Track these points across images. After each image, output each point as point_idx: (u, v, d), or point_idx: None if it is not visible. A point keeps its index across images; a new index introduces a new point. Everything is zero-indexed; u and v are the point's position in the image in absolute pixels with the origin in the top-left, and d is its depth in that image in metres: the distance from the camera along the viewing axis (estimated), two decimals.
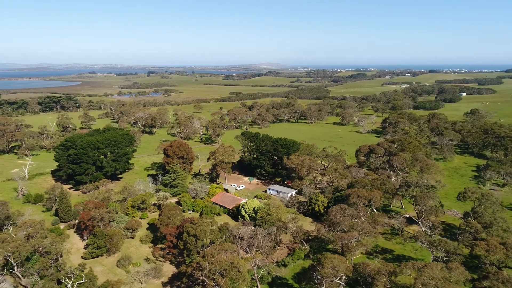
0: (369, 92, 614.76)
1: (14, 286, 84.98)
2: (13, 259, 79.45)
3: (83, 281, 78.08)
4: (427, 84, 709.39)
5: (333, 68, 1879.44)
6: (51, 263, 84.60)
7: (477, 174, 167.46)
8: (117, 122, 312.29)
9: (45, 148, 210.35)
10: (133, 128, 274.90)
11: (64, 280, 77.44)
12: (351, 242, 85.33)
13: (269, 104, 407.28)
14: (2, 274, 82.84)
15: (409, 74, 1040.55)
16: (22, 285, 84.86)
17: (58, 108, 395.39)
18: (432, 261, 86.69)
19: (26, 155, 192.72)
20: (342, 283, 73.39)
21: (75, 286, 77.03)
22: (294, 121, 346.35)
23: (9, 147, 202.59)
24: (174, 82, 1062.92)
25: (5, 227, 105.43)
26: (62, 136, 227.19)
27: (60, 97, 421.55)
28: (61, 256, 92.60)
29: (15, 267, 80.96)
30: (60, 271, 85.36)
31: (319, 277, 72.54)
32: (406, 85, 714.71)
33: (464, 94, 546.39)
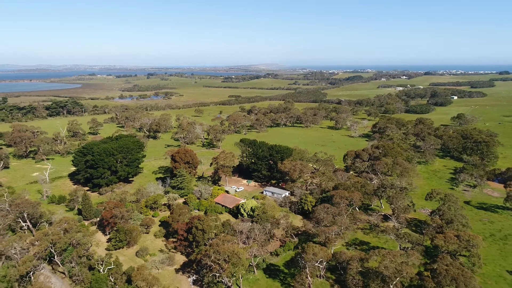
0: (364, 95, 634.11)
1: (52, 272, 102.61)
2: (55, 249, 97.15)
3: (112, 266, 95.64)
4: (421, 87, 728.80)
5: (331, 68, 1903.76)
6: (83, 253, 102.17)
7: (453, 176, 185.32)
8: (122, 127, 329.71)
9: (59, 153, 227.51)
10: (139, 133, 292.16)
11: (97, 266, 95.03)
12: (331, 235, 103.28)
13: (267, 108, 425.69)
14: (43, 262, 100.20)
15: (404, 77, 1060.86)
16: (59, 272, 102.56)
17: (65, 113, 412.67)
18: (401, 250, 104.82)
19: (42, 160, 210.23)
20: (321, 266, 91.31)
21: (105, 270, 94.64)
22: (291, 125, 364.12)
23: (27, 152, 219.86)
24: (174, 84, 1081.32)
25: (39, 224, 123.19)
26: (74, 141, 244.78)
27: (66, 102, 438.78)
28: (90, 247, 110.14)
29: (56, 256, 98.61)
30: (90, 259, 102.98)
31: (303, 261, 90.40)
32: (400, 88, 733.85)
33: (455, 97, 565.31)
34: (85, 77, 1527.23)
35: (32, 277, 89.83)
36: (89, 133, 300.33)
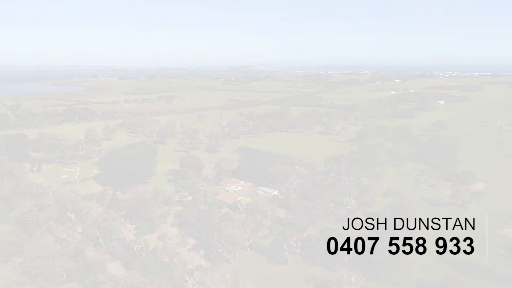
0: (358, 99, 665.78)
1: (96, 250, 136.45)
2: (99, 233, 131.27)
3: (142, 245, 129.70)
4: (413, 91, 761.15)
5: (330, 69, 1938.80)
6: (119, 236, 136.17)
7: (418, 177, 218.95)
8: (132, 132, 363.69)
9: (81, 158, 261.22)
10: (148, 138, 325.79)
11: (132, 245, 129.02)
12: (305, 223, 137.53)
13: (264, 113, 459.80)
14: (90, 243, 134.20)
15: (398, 80, 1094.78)
16: (101, 251, 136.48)
17: (77, 119, 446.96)
18: None
19: (68, 164, 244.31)
20: (295, 244, 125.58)
21: (138, 248, 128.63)
22: (285, 130, 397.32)
23: (54, 157, 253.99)
24: (175, 87, 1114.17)
25: (79, 216, 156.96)
26: (94, 147, 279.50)
27: (78, 108, 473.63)
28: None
29: (100, 238, 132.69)
30: (124, 241, 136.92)
31: (282, 241, 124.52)
32: (393, 92, 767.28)
33: (442, 102, 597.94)
34: (88, 79, 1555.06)
35: (86, 253, 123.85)
36: (103, 139, 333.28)
